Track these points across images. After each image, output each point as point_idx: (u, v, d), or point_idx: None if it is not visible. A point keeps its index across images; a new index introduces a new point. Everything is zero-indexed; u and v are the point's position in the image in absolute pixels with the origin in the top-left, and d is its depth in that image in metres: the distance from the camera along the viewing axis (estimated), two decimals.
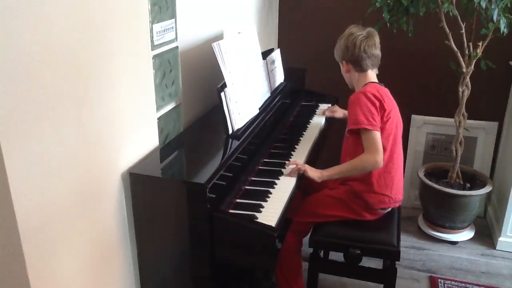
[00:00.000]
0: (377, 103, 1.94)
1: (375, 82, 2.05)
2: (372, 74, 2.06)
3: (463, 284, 2.49)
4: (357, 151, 1.95)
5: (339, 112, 2.59)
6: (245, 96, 1.96)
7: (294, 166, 1.95)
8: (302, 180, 1.97)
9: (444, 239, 2.83)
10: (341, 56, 2.08)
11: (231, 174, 1.73)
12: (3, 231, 1.14)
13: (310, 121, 2.54)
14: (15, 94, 1.08)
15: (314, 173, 1.95)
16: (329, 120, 2.63)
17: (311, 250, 2.07)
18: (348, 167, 1.97)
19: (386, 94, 2.01)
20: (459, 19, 2.46)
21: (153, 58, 1.66)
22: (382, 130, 1.94)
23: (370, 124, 1.90)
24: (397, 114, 2.03)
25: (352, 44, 2.01)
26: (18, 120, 1.09)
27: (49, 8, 1.16)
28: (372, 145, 1.90)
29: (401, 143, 2.07)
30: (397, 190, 2.06)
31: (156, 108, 1.73)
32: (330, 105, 2.75)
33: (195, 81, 2.05)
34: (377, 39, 2.04)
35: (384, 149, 1.95)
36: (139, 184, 1.58)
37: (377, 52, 2.04)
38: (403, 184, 2.11)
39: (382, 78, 2.09)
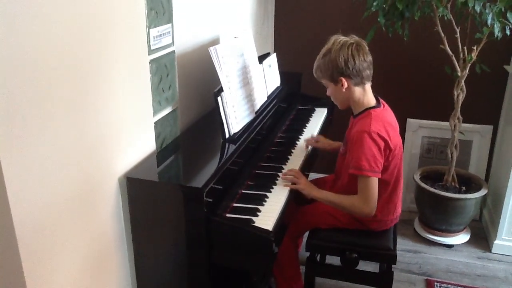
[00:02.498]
0: (382, 145, 1.81)
1: (376, 107, 1.89)
2: (369, 89, 1.91)
3: (459, 287, 2.49)
4: (355, 185, 1.87)
5: (324, 143, 2.31)
6: (242, 100, 1.97)
7: (291, 176, 1.92)
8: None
9: (440, 242, 2.84)
10: (335, 72, 1.85)
11: (228, 178, 1.73)
12: (0, 234, 1.14)
13: (307, 125, 2.55)
14: (12, 97, 1.08)
15: (307, 189, 1.92)
16: (326, 125, 2.64)
17: (307, 254, 2.07)
18: (338, 202, 1.91)
19: (390, 124, 1.87)
20: (454, 23, 2.48)
21: (150, 62, 1.67)
22: (386, 168, 1.87)
23: (372, 170, 1.79)
24: (400, 146, 1.92)
25: (349, 55, 1.81)
26: (15, 123, 1.09)
27: (47, 13, 1.16)
28: (366, 193, 1.82)
29: (402, 166, 2.00)
30: (398, 209, 2.03)
31: (153, 113, 1.73)
32: (325, 110, 2.74)
33: (191, 86, 2.05)
34: (366, 45, 1.88)
35: (388, 184, 1.91)
36: (136, 188, 1.58)
37: (371, 58, 1.88)
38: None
39: (377, 82, 2.03)
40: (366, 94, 1.90)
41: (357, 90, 1.88)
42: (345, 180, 1.97)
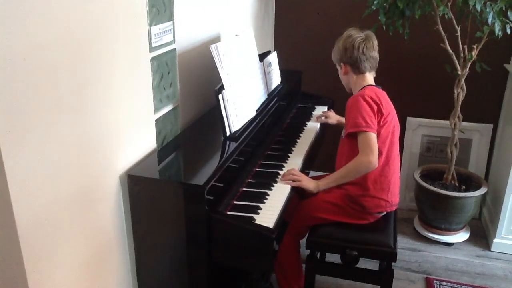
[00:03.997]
0: (375, 107, 1.94)
1: (373, 85, 2.05)
2: (369, 77, 2.07)
3: (458, 285, 2.50)
4: (353, 155, 1.95)
5: (333, 118, 2.57)
6: (243, 98, 1.97)
7: (290, 175, 1.93)
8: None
9: (440, 240, 2.85)
10: (339, 58, 2.08)
11: (229, 176, 1.73)
12: (2, 233, 1.14)
13: (307, 123, 2.55)
14: (14, 96, 1.08)
15: (310, 184, 1.95)
16: (326, 123, 2.64)
17: (308, 252, 2.08)
18: (343, 173, 1.97)
19: (384, 97, 2.02)
20: (454, 22, 2.48)
21: (151, 60, 1.67)
22: (378, 133, 1.95)
23: (368, 126, 1.91)
24: (394, 117, 2.04)
25: (351, 45, 2.02)
26: (17, 122, 1.10)
27: (47, 10, 1.16)
28: (367, 146, 1.90)
29: (398, 146, 2.08)
30: (394, 194, 2.06)
31: (154, 110, 1.73)
32: (325, 108, 2.76)
33: (192, 83, 2.05)
34: (375, 42, 2.06)
35: (380, 152, 1.96)
36: (137, 186, 1.58)
37: (375, 54, 2.05)
38: (399, 187, 2.12)
39: (378, 80, 2.10)
40: (365, 81, 2.07)
41: (356, 78, 2.08)
42: (344, 162, 2.00)
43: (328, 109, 2.74)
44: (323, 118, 2.56)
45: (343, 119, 2.37)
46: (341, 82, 2.19)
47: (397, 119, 2.07)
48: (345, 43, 2.04)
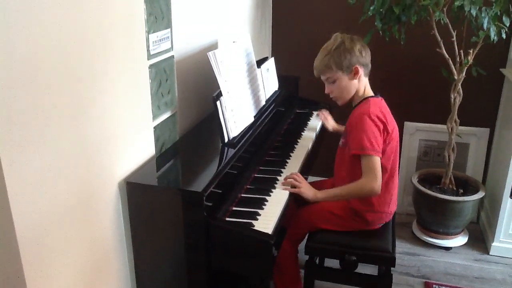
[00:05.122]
0: (381, 126, 1.89)
1: (374, 97, 2.00)
2: (367, 82, 2.04)
3: None
4: (355, 171, 1.91)
5: (330, 124, 2.51)
6: (241, 105, 1.98)
7: (291, 180, 1.92)
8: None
9: (438, 244, 2.85)
10: (352, 60, 1.93)
11: (227, 182, 1.74)
12: (1, 238, 1.15)
13: (305, 128, 2.56)
14: (13, 102, 1.08)
15: (309, 192, 1.94)
16: (324, 128, 2.64)
17: (306, 257, 2.08)
18: (344, 192, 1.94)
19: (387, 111, 1.98)
20: (450, 27, 2.50)
21: (149, 67, 1.68)
22: (383, 152, 1.91)
23: (374, 149, 1.85)
24: (396, 131, 1.99)
25: (362, 45, 1.95)
26: (16, 128, 1.10)
27: (48, 20, 1.16)
28: (371, 171, 1.85)
29: (399, 158, 2.05)
30: (394, 203, 2.06)
31: (152, 117, 1.74)
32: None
33: (190, 90, 2.06)
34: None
35: (385, 169, 1.94)
36: (136, 193, 1.58)
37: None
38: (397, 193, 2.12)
39: (374, 86, 2.08)
40: (367, 86, 2.03)
41: (364, 80, 2.00)
42: (344, 172, 2.00)
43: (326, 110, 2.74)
44: (322, 117, 2.54)
45: (340, 128, 2.35)
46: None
47: (397, 130, 2.02)
48: (357, 43, 1.95)
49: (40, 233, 1.22)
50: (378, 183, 1.86)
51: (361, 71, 1.96)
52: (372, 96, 2.00)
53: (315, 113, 2.72)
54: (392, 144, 1.95)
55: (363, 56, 1.95)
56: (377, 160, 1.86)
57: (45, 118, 1.19)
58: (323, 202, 2.01)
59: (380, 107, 1.95)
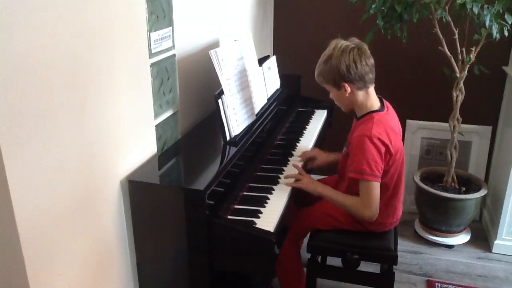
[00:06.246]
0: (383, 149, 1.79)
1: (379, 111, 1.88)
2: (372, 92, 1.90)
3: (459, 287, 2.51)
4: (353, 188, 1.87)
5: (322, 159, 2.21)
6: (242, 103, 1.98)
7: (295, 173, 1.92)
8: (297, 190, 1.94)
9: (441, 242, 2.85)
10: (338, 78, 1.82)
11: (229, 181, 1.74)
12: (3, 237, 1.15)
13: (307, 127, 2.56)
14: (16, 101, 1.09)
15: (310, 186, 1.93)
16: (325, 127, 2.65)
17: (309, 255, 2.08)
18: (340, 202, 1.90)
19: (392, 128, 1.86)
20: (452, 25, 2.49)
21: (151, 66, 1.68)
22: (386, 172, 1.85)
23: (373, 174, 1.78)
24: (401, 151, 1.90)
25: (351, 60, 1.79)
26: (19, 127, 1.10)
27: (48, 17, 1.17)
28: (367, 197, 1.80)
29: (404, 170, 1.98)
30: (398, 213, 2.03)
31: (154, 116, 1.74)
32: (325, 112, 2.74)
33: (192, 89, 2.06)
34: (366, 46, 1.86)
35: (387, 187, 1.90)
36: (138, 191, 1.59)
37: (373, 60, 1.86)
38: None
39: (377, 84, 2.00)
40: (369, 97, 1.89)
41: (361, 94, 1.86)
42: (347, 182, 1.97)
43: (327, 114, 2.73)
44: (309, 159, 2.20)
45: (330, 157, 2.21)
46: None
47: (401, 143, 1.92)
48: (342, 59, 1.79)
49: (42, 231, 1.22)
50: (372, 210, 1.81)
51: (352, 88, 1.83)
52: (376, 111, 1.88)
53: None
54: (395, 165, 1.88)
55: (354, 72, 1.79)
56: (375, 186, 1.80)
57: (47, 117, 1.19)
58: (324, 206, 2.00)
59: (385, 125, 1.83)
